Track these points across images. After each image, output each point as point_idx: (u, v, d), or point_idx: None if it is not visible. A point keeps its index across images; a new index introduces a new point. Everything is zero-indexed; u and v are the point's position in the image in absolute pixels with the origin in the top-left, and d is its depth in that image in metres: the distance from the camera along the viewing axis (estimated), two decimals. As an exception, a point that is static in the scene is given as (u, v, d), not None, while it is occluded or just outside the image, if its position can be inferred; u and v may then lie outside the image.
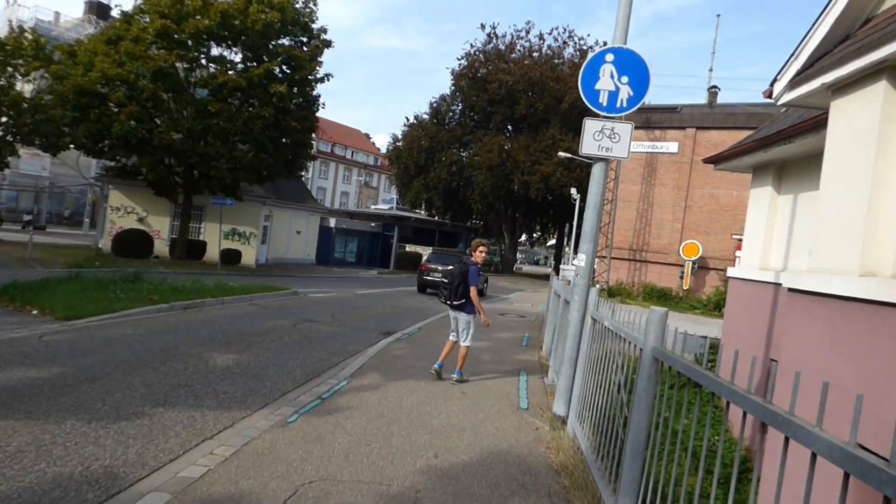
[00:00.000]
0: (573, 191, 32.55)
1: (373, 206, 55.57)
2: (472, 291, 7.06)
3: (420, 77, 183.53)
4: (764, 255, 9.65)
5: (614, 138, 5.22)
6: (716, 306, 29.09)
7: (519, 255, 68.69)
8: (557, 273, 21.28)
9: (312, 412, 5.39)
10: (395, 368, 7.67)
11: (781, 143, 8.05)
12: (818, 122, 6.73)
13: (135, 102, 19.07)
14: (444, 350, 7.49)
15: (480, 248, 7.33)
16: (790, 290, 5.46)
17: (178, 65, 19.44)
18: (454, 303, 7.15)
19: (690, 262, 30.79)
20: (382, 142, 55.53)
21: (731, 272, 10.77)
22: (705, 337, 10.85)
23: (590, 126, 5.24)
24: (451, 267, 7.84)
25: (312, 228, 38.48)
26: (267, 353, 7.86)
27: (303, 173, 45.59)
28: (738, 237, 29.36)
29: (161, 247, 25.34)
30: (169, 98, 19.30)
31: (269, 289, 14.71)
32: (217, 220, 27.16)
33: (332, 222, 40.00)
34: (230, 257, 25.97)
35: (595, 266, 29.46)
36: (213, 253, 26.09)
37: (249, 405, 5.50)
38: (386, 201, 54.06)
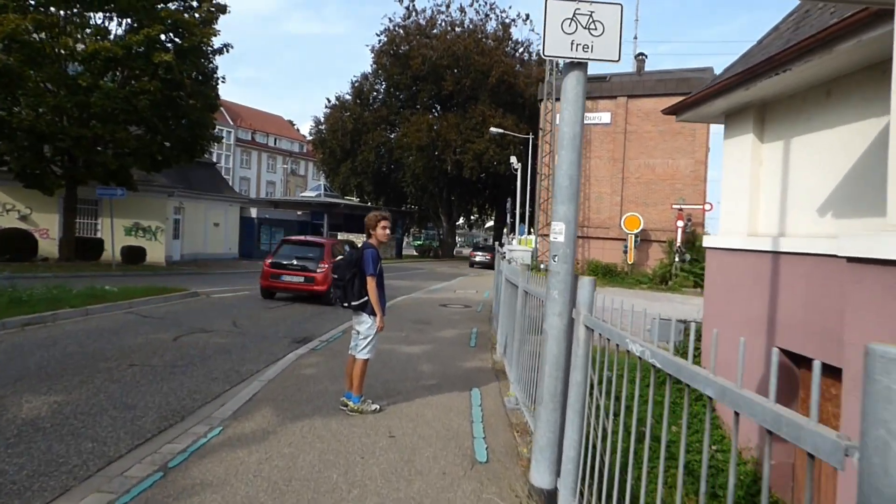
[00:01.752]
0: (513, 159, 30.61)
1: (301, 194, 52.24)
2: (369, 283, 5.16)
3: (344, 64, 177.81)
4: (751, 219, 8.04)
5: (594, 28, 3.31)
6: (661, 280, 28.41)
7: (458, 239, 67.11)
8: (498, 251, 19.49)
9: (136, 505, 3.23)
10: (298, 398, 5.55)
11: (771, 74, 6.37)
12: (830, 37, 5.06)
13: (-17, 76, 15.66)
14: (348, 370, 5.45)
15: (382, 224, 5.34)
16: (853, 259, 3.78)
17: (35, 34, 16.12)
18: (353, 303, 5.20)
19: (633, 236, 29.96)
20: (308, 130, 52.04)
21: (708, 242, 9.18)
22: (684, 321, 9.30)
23: (554, 10, 3.29)
24: (337, 258, 5.55)
25: (232, 220, 35.23)
26: (113, 389, 5.54)
27: (211, 159, 41.83)
28: (677, 207, 28.73)
29: (50, 247, 21.77)
30: (27, 71, 15.94)
31: (159, 291, 12.09)
32: (118, 214, 23.87)
33: (254, 212, 36.81)
34: (132, 256, 22.73)
35: (537, 245, 28.04)
36: (114, 251, 22.79)
37: (29, 500, 3.27)
38: (314, 189, 50.87)
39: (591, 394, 3.16)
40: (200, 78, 19.95)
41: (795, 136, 7.10)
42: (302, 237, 16.43)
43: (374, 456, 4.19)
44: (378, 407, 5.29)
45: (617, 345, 2.61)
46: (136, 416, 4.81)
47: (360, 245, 5.46)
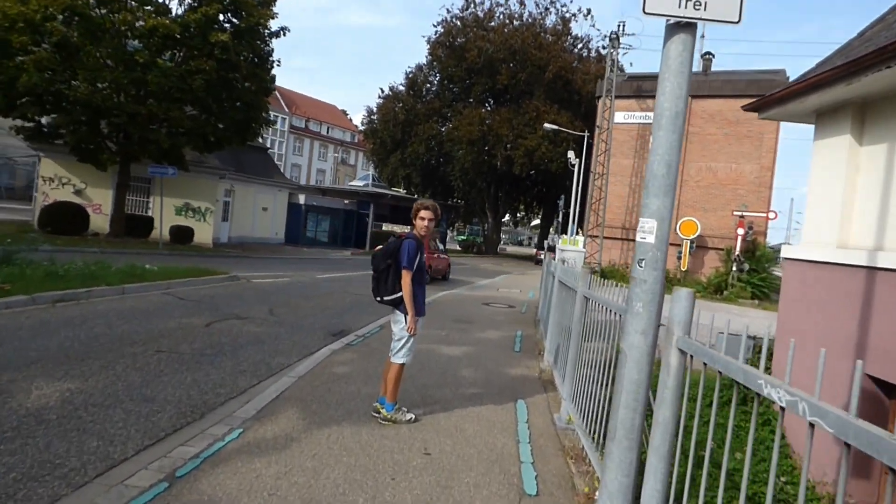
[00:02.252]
0: (570, 154, 29.27)
1: (349, 183, 52.46)
2: (404, 278, 4.62)
3: (399, 56, 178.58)
4: (842, 230, 7.09)
5: (710, -16, 2.62)
6: (716, 289, 26.99)
7: (502, 236, 66.19)
8: (552, 251, 18.34)
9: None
10: (328, 400, 5.06)
11: (882, 67, 5.48)
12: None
13: (44, 49, 15.90)
14: (385, 373, 4.95)
15: (422, 214, 4.76)
16: None
17: (97, 8, 16.28)
18: (385, 298, 4.70)
19: (688, 241, 28.57)
20: (360, 119, 52.05)
21: (788, 252, 8.23)
22: (754, 337, 8.42)
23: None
24: (377, 247, 5.08)
25: (280, 205, 35.49)
26: (133, 377, 5.18)
27: (263, 143, 42.29)
28: (738, 213, 27.17)
29: (102, 222, 22.27)
30: (87, 45, 16.11)
31: (199, 273, 11.92)
32: (168, 194, 24.23)
33: (302, 199, 37.00)
34: (180, 235, 23.04)
35: (585, 246, 27.00)
36: (162, 231, 23.17)
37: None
38: (362, 178, 50.96)
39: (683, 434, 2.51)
40: (256, 60, 19.87)
41: (907, 138, 6.18)
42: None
43: (407, 478, 3.64)
44: (413, 416, 4.75)
45: (737, 383, 1.96)
46: (152, 411, 4.40)
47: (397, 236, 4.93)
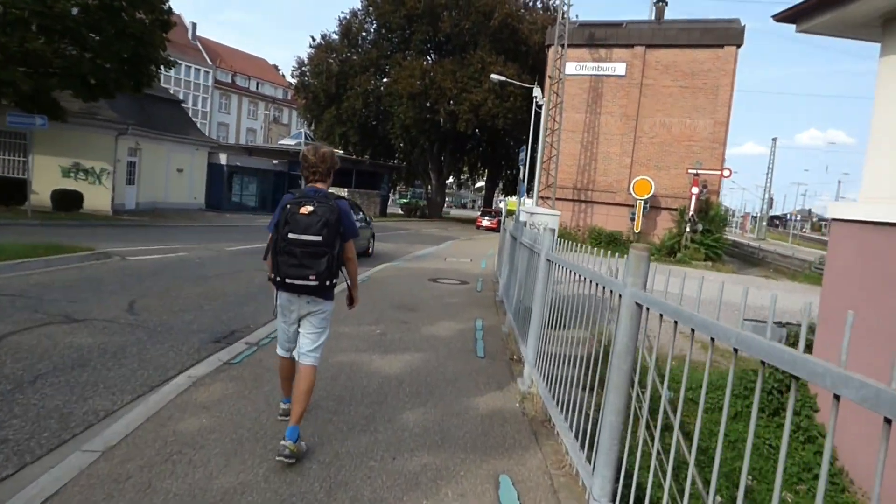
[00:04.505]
0: (536, 91, 25.61)
1: (280, 142, 48.25)
2: (350, 249, 3.40)
3: (339, 10, 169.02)
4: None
5: None
6: (669, 251, 25.72)
7: (446, 199, 63.67)
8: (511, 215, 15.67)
9: None
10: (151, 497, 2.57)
11: None
12: None
13: None
14: (283, 382, 3.71)
15: (325, 158, 3.46)
16: None
17: None
18: (310, 282, 3.20)
19: (642, 202, 27.08)
20: (290, 72, 47.43)
21: (837, 212, 6.17)
22: (781, 324, 6.42)
23: None
24: (305, 208, 3.17)
25: (199, 166, 31.59)
26: None
27: (176, 95, 37.46)
28: (693, 171, 25.75)
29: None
30: None
31: (48, 251, 8.87)
32: (51, 151, 20.31)
33: (224, 159, 33.12)
34: (66, 201, 19.35)
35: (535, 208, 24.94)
36: (43, 196, 19.37)
37: None
38: (294, 137, 46.91)
39: None
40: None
41: None
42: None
43: None
44: None
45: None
46: None
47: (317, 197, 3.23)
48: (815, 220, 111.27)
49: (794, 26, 6.41)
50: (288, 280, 3.18)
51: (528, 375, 4.81)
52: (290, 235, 3.15)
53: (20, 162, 20.31)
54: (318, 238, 3.12)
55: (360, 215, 14.93)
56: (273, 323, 6.36)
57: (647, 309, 2.42)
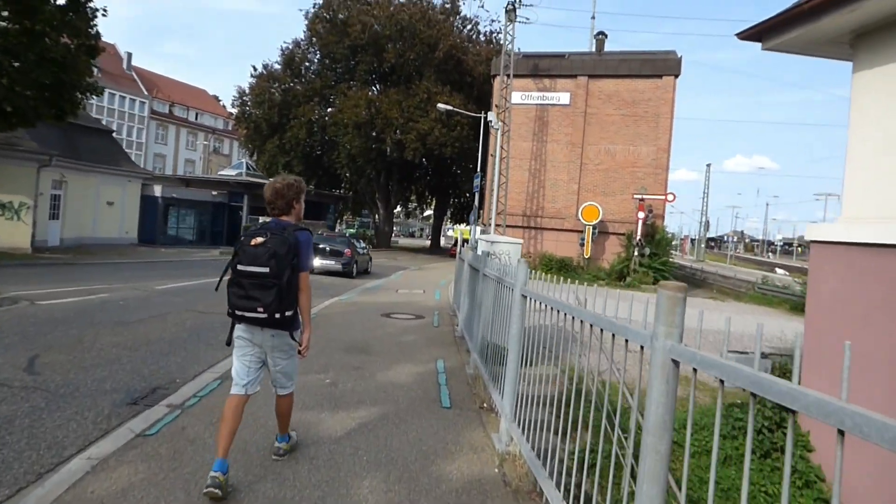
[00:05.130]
0: (491, 116, 24.83)
1: (220, 173, 46.53)
2: (304, 280, 3.31)
3: (279, 43, 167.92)
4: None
5: None
6: (619, 276, 25.86)
7: (394, 228, 62.91)
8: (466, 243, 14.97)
9: None
10: None
11: None
12: None
13: None
14: (224, 430, 3.20)
15: (280, 194, 3.43)
16: None
17: None
18: (286, 314, 3.20)
19: (591, 227, 27.25)
20: (231, 102, 46.11)
21: (817, 233, 5.91)
22: (765, 354, 6.10)
23: None
24: (256, 240, 3.16)
25: (131, 199, 29.81)
26: None
27: (108, 126, 35.48)
28: (639, 197, 26.16)
29: None
30: None
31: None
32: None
33: (158, 191, 31.42)
34: (-22, 240, 17.61)
35: (473, 236, 24.55)
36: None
37: None
38: (235, 167, 45.37)
39: None
40: (69, 4, 15.03)
41: None
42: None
43: None
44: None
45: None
46: None
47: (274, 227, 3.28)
48: (747, 241, 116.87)
49: (758, 45, 6.22)
50: (238, 312, 3.19)
51: (505, 431, 4.17)
52: (239, 267, 3.17)
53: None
54: (265, 269, 3.10)
55: (362, 243, 18.92)
56: (204, 376, 5.50)
57: (677, 363, 1.87)
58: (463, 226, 63.92)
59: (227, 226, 35.14)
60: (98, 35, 16.42)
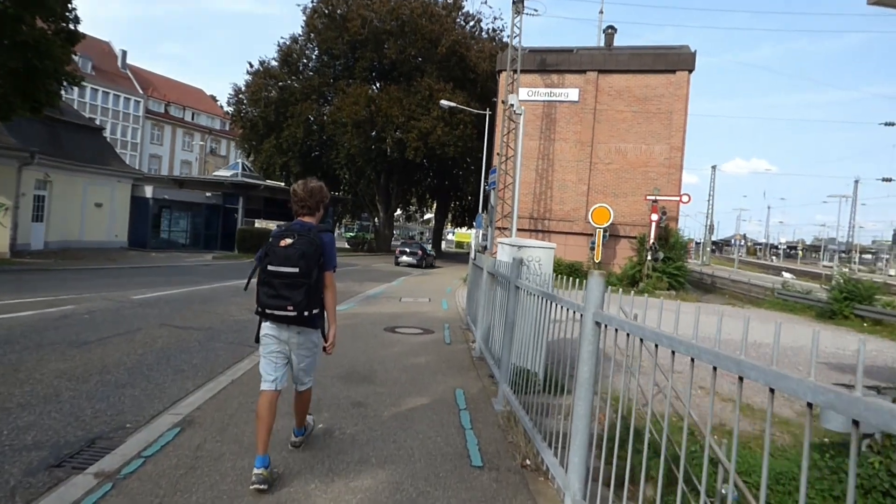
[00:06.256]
0: (511, 99, 22.92)
1: (215, 173, 45.20)
2: (329, 279, 3.50)
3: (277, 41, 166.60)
4: None
5: None
6: (631, 282, 24.57)
7: (394, 232, 61.56)
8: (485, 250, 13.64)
9: None
10: None
11: None
12: None
13: None
14: (261, 428, 3.29)
15: (313, 193, 3.63)
16: None
17: None
18: (288, 312, 3.32)
19: (601, 230, 25.97)
20: (226, 100, 44.84)
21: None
22: (878, 389, 4.83)
23: None
24: (286, 241, 3.35)
25: (121, 200, 28.49)
26: None
27: (98, 124, 34.04)
28: (652, 198, 24.90)
29: None
30: None
31: None
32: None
33: (150, 192, 30.12)
34: (-52, 244, 16.32)
35: (490, 239, 23.31)
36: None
37: None
38: (231, 167, 44.05)
39: None
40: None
41: None
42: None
43: None
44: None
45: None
46: None
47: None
48: (749, 244, 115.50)
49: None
50: (268, 311, 3.32)
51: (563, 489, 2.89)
52: (269, 267, 3.29)
53: None
54: (295, 269, 3.25)
55: (428, 247, 25.56)
56: (161, 420, 4.21)
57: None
58: (464, 229, 62.55)
59: (221, 228, 33.79)
60: (77, 19, 15.14)
